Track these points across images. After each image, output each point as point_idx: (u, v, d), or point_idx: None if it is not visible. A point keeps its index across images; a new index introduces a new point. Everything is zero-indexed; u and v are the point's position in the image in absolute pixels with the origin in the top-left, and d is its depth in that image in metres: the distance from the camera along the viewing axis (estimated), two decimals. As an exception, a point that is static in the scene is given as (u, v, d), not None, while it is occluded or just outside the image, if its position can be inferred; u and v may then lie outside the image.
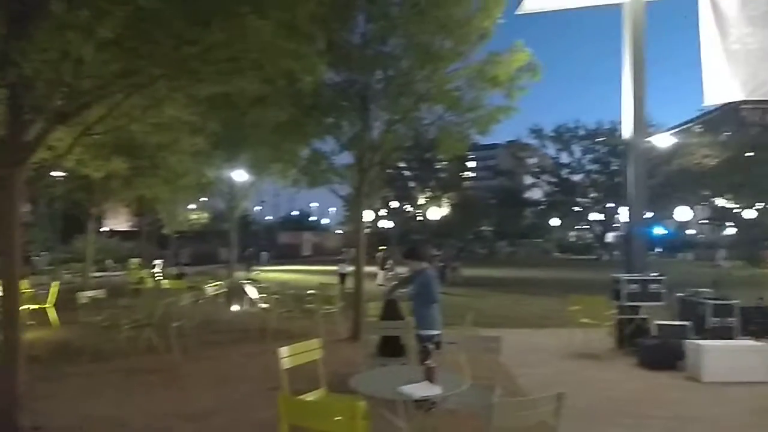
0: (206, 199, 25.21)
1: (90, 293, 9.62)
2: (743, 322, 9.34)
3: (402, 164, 35.99)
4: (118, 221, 39.61)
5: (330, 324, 10.62)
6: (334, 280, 18.91)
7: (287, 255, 46.42)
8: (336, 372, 5.46)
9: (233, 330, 11.33)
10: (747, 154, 39.27)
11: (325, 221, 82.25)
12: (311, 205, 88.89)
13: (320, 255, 49.56)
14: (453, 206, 36.45)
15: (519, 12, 11.23)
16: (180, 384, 7.25)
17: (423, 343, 5.89)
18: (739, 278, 20.50)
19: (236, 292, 14.61)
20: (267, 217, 67.79)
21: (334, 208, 78.44)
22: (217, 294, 13.60)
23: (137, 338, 8.82)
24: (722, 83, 10.01)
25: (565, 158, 55.02)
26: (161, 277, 19.55)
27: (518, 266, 39.72)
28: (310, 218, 79.41)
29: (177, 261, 30.70)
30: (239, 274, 19.10)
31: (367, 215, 30.21)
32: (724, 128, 44.03)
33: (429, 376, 4.12)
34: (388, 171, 30.26)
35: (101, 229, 34.16)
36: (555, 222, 60.64)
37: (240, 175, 15.43)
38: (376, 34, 9.45)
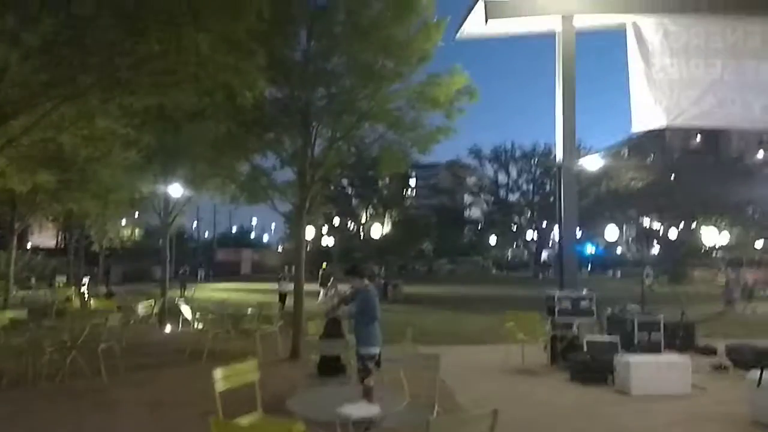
0: (139, 214, 24.27)
1: (11, 313, 9.01)
2: (667, 337, 9.84)
3: (345, 181, 36.10)
4: (44, 237, 37.46)
5: (269, 344, 10.38)
6: (274, 298, 18.54)
7: (225, 273, 45.22)
8: (274, 393, 5.34)
9: (166, 352, 10.87)
10: (670, 177, 41.82)
11: (265, 238, 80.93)
12: (251, 221, 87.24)
13: (260, 273, 48.57)
14: (395, 224, 36.81)
15: (458, 37, 11.58)
16: (108, 409, 6.87)
17: (364, 361, 5.93)
18: (663, 295, 21.60)
19: (169, 312, 14.07)
20: (204, 234, 66.00)
21: (275, 225, 77.29)
22: (149, 314, 13.04)
23: (62, 361, 8.31)
24: (648, 110, 10.64)
25: (502, 178, 56.76)
26: (89, 297, 18.58)
27: (458, 283, 40.34)
28: (250, 235, 77.90)
29: (106, 279, 29.29)
30: (173, 293, 18.41)
31: (309, 232, 29.99)
32: (649, 152, 46.81)
33: (367, 396, 4.10)
34: (330, 188, 30.21)
35: (27, 246, 32.21)
36: (493, 240, 62.18)
37: (176, 190, 14.95)
38: (318, 52, 9.49)
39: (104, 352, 8.36)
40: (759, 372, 6.48)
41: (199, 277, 38.37)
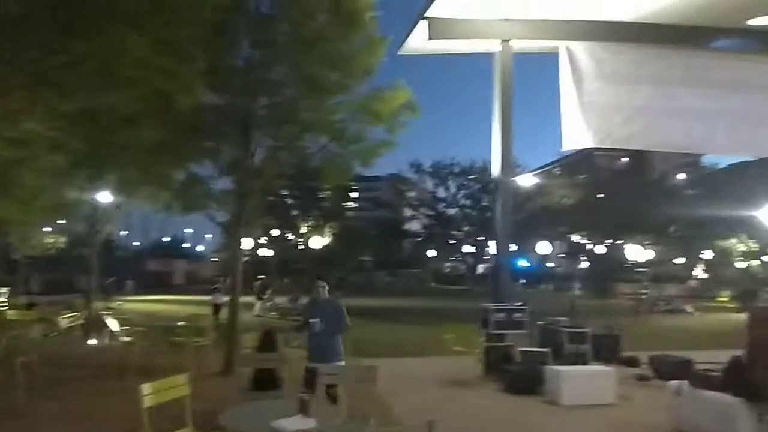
0: (65, 221, 23.02)
1: None
2: (595, 349, 10.27)
3: (285, 192, 35.63)
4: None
5: (201, 357, 10.04)
6: (208, 310, 18.00)
7: (156, 284, 43.49)
8: (205, 409, 5.16)
9: (90, 366, 10.31)
10: (598, 196, 43.85)
11: (200, 248, 78.48)
12: (185, 231, 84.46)
13: (194, 284, 47.02)
14: (335, 236, 36.63)
15: (401, 52, 11.75)
16: (27, 426, 6.44)
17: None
18: (591, 307, 22.54)
19: (95, 325, 13.35)
20: (135, 243, 63.35)
21: (211, 235, 75.05)
22: (72, 326, 12.34)
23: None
24: (577, 131, 11.11)
25: (441, 193, 57.73)
26: (7, 307, 17.40)
27: (397, 296, 40.54)
28: (184, 245, 75.43)
29: (27, 289, 27.55)
30: (99, 305, 17.51)
31: (246, 243, 29.36)
32: (580, 172, 48.95)
33: (303, 410, 4.04)
34: (269, 198, 29.72)
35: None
36: (432, 253, 63.00)
37: (105, 197, 14.30)
38: (261, 61, 9.38)
39: (23, 365, 7.84)
40: (678, 382, 6.88)
41: (127, 288, 36.73)
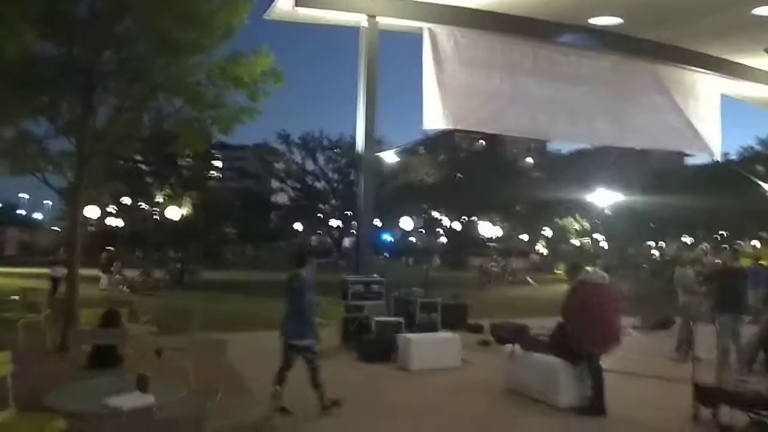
0: None
1: None
2: (444, 317, 10.96)
3: (138, 157, 32.94)
4: None
5: (34, 335, 9.11)
6: (46, 284, 16.31)
7: (-17, 255, 38.56)
8: (35, 388, 4.70)
9: None
10: (457, 175, 46.41)
11: (37, 216, 70.44)
12: (20, 196, 75.19)
13: (30, 255, 42.30)
14: (195, 206, 34.71)
15: (267, 16, 11.36)
16: None
17: (304, 354, 6.07)
18: (444, 279, 23.94)
19: None
20: (-43, 209, 55.28)
21: (50, 202, 67.52)
22: None
23: None
24: (437, 112, 11.62)
25: (310, 166, 57.25)
26: None
27: (261, 269, 39.80)
28: (18, 211, 67.27)
29: None
30: None
31: (92, 211, 26.83)
32: (442, 151, 51.34)
33: (141, 386, 3.85)
34: (120, 163, 27.31)
35: None
36: (299, 226, 62.55)
37: None
38: (108, 11, 8.52)
39: None
40: (512, 346, 7.58)
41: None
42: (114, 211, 37.11)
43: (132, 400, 3.73)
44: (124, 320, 7.48)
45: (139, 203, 37.29)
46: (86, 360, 6.02)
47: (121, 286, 19.22)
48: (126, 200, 36.61)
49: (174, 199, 28.99)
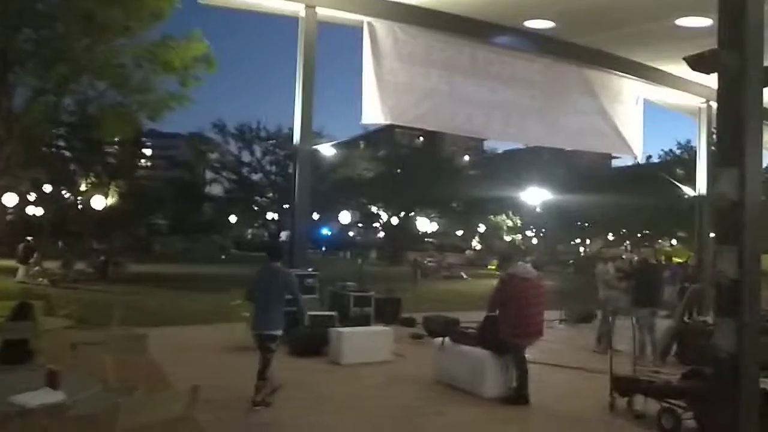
0: None
1: None
2: (378, 311, 11.01)
3: (61, 143, 31.13)
4: None
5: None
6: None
7: None
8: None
9: None
10: (396, 171, 46.76)
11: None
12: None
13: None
14: (122, 195, 33.09)
15: (202, 1, 10.99)
16: None
17: (269, 343, 6.21)
18: (379, 273, 24.08)
19: None
20: None
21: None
22: None
23: None
24: (375, 107, 11.60)
25: (246, 157, 55.94)
26: None
27: (192, 262, 38.67)
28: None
29: None
30: None
31: (9, 199, 25.19)
32: (381, 146, 51.58)
33: (51, 382, 3.64)
34: (41, 148, 25.74)
35: None
36: (234, 219, 61.10)
37: None
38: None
39: None
40: (442, 339, 7.71)
41: None
42: (34, 199, 35.03)
43: (39, 398, 3.52)
44: (40, 314, 7.07)
45: (62, 191, 35.34)
46: (-6, 356, 5.65)
47: (39, 278, 18.16)
48: (48, 188, 34.62)
49: (99, 188, 27.71)
